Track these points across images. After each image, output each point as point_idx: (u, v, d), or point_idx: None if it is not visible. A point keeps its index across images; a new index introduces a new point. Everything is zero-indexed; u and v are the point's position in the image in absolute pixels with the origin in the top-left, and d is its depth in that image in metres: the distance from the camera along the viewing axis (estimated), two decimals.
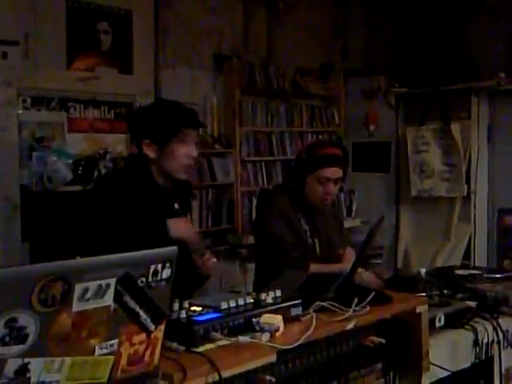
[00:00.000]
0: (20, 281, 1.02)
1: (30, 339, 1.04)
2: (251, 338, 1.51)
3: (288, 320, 1.62)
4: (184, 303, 1.57)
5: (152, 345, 1.23)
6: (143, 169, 2.06)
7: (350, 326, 1.73)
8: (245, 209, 4.66)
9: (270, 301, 1.66)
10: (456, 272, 2.75)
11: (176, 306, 1.54)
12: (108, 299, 1.14)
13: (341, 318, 1.72)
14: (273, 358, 1.49)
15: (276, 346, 1.50)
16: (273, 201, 2.53)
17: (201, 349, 1.43)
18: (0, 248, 3.47)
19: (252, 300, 1.64)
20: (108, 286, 1.13)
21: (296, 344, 1.53)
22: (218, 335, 1.48)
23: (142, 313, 1.19)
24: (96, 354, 1.14)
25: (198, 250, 2.09)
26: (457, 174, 4.78)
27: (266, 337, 1.52)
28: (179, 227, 2.03)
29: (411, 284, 2.40)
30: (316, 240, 2.50)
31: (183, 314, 1.51)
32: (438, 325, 2.10)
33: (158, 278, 1.21)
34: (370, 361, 1.84)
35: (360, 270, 2.21)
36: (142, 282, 1.18)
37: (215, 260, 2.09)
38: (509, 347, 2.31)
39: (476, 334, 2.18)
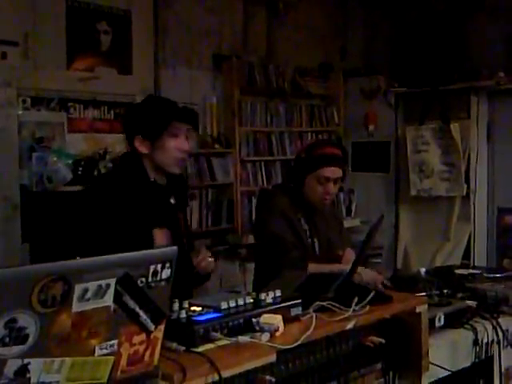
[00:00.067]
0: (20, 281, 1.02)
1: (30, 340, 1.04)
2: (251, 337, 1.51)
3: (288, 320, 1.62)
4: (184, 303, 1.58)
5: (152, 345, 1.23)
6: (136, 166, 2.07)
7: (350, 325, 1.73)
8: (244, 209, 4.66)
9: (269, 301, 1.66)
10: (456, 271, 2.75)
11: (176, 306, 1.54)
12: (108, 299, 1.14)
13: (340, 317, 1.72)
14: (273, 357, 1.49)
15: (276, 345, 1.50)
16: (273, 201, 2.53)
17: (200, 349, 1.43)
18: (0, 248, 3.47)
19: (252, 300, 1.64)
20: (108, 286, 1.13)
21: (296, 344, 1.53)
22: (217, 335, 1.48)
23: (141, 313, 1.19)
24: (96, 354, 1.14)
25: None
26: (456, 173, 4.78)
27: (265, 337, 1.52)
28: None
29: (411, 284, 2.40)
30: (316, 240, 2.50)
31: (183, 314, 1.51)
32: (437, 324, 2.10)
33: (158, 278, 1.21)
34: (370, 360, 1.84)
35: (360, 269, 2.21)
36: (141, 282, 1.18)
37: (210, 259, 2.08)
38: (509, 347, 2.31)
39: (476, 333, 2.18)
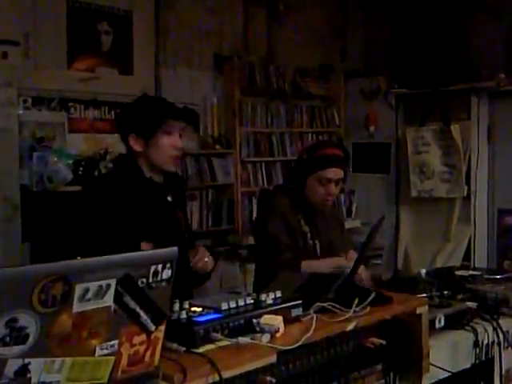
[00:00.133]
0: (20, 281, 1.02)
1: (31, 339, 1.04)
2: (251, 338, 1.51)
3: (288, 321, 1.62)
4: (184, 304, 1.57)
5: (152, 345, 1.23)
6: (131, 165, 2.08)
7: (351, 326, 1.73)
8: (245, 209, 4.66)
9: (270, 302, 1.66)
10: (456, 273, 2.74)
11: (176, 306, 1.54)
12: (108, 300, 1.13)
13: (341, 318, 1.72)
14: (273, 358, 1.49)
15: (276, 346, 1.50)
16: (273, 202, 2.52)
17: (201, 349, 1.43)
18: (0, 248, 3.47)
19: (252, 301, 1.64)
20: (108, 286, 1.13)
21: (296, 345, 1.53)
22: (218, 336, 1.48)
23: (142, 313, 1.19)
24: (96, 354, 1.14)
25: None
26: (457, 174, 4.78)
27: (266, 338, 1.51)
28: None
29: (411, 285, 2.39)
30: (317, 241, 2.49)
31: (183, 315, 1.51)
32: (438, 326, 2.10)
33: (159, 278, 1.21)
34: (371, 362, 1.84)
35: (360, 270, 2.21)
36: (142, 282, 1.18)
37: (207, 260, 2.07)
38: (509, 348, 2.31)
39: (476, 334, 2.18)
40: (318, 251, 2.49)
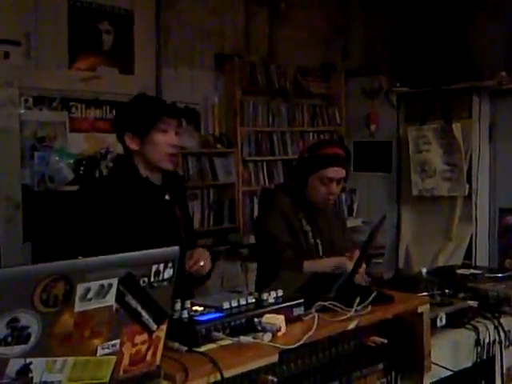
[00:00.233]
0: (22, 281, 1.02)
1: (32, 339, 1.04)
2: (253, 337, 1.51)
3: (290, 320, 1.62)
4: (186, 303, 1.57)
5: (154, 345, 1.23)
6: (128, 165, 2.09)
7: (352, 325, 1.73)
8: (246, 208, 4.66)
9: (271, 301, 1.66)
10: (457, 271, 2.74)
11: (178, 305, 1.54)
12: (110, 299, 1.14)
13: (343, 317, 1.72)
14: (275, 358, 1.49)
15: (278, 345, 1.50)
16: (274, 201, 2.52)
17: (203, 349, 1.43)
18: (2, 248, 3.47)
19: (254, 300, 1.64)
20: (110, 286, 1.13)
21: (298, 344, 1.53)
22: (219, 335, 1.48)
23: (143, 313, 1.19)
24: (98, 354, 1.14)
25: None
26: (458, 173, 4.77)
27: (267, 337, 1.51)
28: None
29: (413, 284, 2.39)
30: (318, 240, 2.49)
31: (185, 314, 1.51)
32: (439, 324, 2.10)
33: (160, 277, 1.21)
34: (372, 361, 1.84)
35: (361, 269, 2.21)
36: (143, 281, 1.18)
37: (202, 264, 2.04)
38: (510, 347, 2.31)
39: (477, 333, 2.18)
40: (320, 250, 2.49)
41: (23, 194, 3.57)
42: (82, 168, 3.77)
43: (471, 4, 4.71)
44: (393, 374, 1.90)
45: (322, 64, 5.30)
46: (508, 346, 2.29)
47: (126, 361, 1.18)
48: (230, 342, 1.48)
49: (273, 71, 4.89)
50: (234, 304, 1.59)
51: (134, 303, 1.17)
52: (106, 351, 1.15)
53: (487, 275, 2.65)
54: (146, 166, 2.09)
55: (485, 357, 2.21)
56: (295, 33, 5.08)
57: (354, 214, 5.34)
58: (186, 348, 1.42)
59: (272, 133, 4.93)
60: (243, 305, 1.60)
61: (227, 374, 1.36)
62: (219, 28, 4.61)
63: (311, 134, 5.24)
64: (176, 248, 1.25)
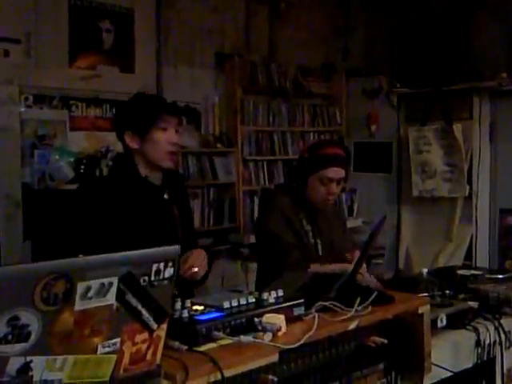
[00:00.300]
0: (22, 279, 1.02)
1: (33, 337, 1.04)
2: (253, 337, 1.50)
3: (290, 320, 1.61)
4: (186, 302, 1.57)
5: (154, 344, 1.23)
6: (127, 163, 2.08)
7: (353, 326, 1.72)
8: (246, 208, 4.66)
9: (272, 300, 1.66)
10: (458, 272, 2.74)
11: (178, 305, 1.54)
12: (110, 298, 1.13)
13: (343, 318, 1.71)
14: (275, 357, 1.49)
15: (278, 345, 1.49)
16: (274, 201, 2.52)
17: (203, 348, 1.43)
18: (2, 246, 3.47)
19: (254, 299, 1.64)
20: (110, 284, 1.13)
21: (298, 344, 1.52)
22: (220, 334, 1.48)
23: (144, 312, 1.19)
24: (98, 352, 1.14)
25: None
26: (458, 174, 4.77)
27: (268, 336, 1.51)
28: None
29: (413, 284, 2.39)
30: (318, 240, 2.49)
31: (185, 313, 1.51)
32: (439, 325, 2.10)
33: (161, 276, 1.21)
34: (372, 361, 1.84)
35: (362, 270, 2.20)
36: (144, 280, 1.18)
37: (196, 270, 2.01)
38: (511, 348, 2.31)
39: (478, 334, 2.17)
40: (320, 250, 2.49)
41: (23, 193, 3.57)
42: (82, 167, 3.77)
43: (471, 4, 4.71)
44: (393, 374, 1.89)
45: (322, 64, 5.30)
46: (508, 347, 2.29)
47: (126, 359, 1.18)
48: (231, 341, 1.48)
49: (273, 70, 4.89)
50: (235, 303, 1.59)
51: (134, 302, 1.17)
52: (107, 350, 1.15)
53: (488, 276, 2.65)
54: (146, 165, 2.08)
55: (485, 358, 2.20)
56: (296, 32, 5.08)
57: (355, 214, 5.33)
58: (186, 347, 1.42)
59: (272, 132, 4.93)
60: (243, 304, 1.60)
61: (227, 373, 1.36)
62: (220, 27, 4.61)
63: (311, 133, 5.23)
64: (176, 247, 1.25)
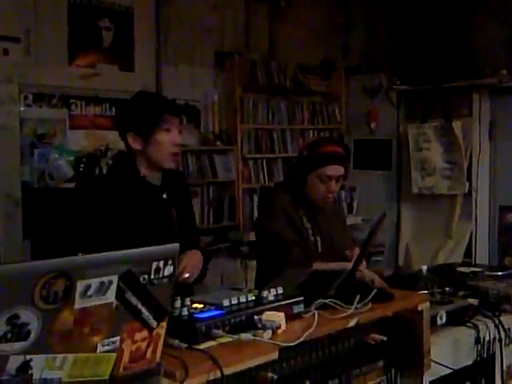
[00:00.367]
0: (22, 278, 1.02)
1: (32, 336, 1.04)
2: (253, 335, 1.51)
3: (290, 317, 1.62)
4: (186, 300, 1.57)
5: (154, 342, 1.23)
6: (126, 163, 2.08)
7: (352, 323, 1.73)
8: (246, 206, 4.66)
9: (271, 298, 1.66)
10: (457, 269, 2.75)
11: (178, 303, 1.54)
12: (110, 296, 1.13)
13: (343, 315, 1.72)
14: (275, 355, 1.49)
15: (278, 343, 1.50)
16: (274, 199, 2.52)
17: (203, 346, 1.43)
18: (1, 245, 3.47)
19: (254, 297, 1.64)
20: (110, 282, 1.13)
21: (298, 341, 1.53)
22: (219, 332, 1.48)
23: (144, 310, 1.19)
24: (98, 350, 1.14)
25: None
26: (458, 171, 4.77)
27: (267, 334, 1.51)
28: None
29: (412, 281, 2.39)
30: (318, 238, 2.49)
31: (185, 312, 1.51)
32: (439, 322, 2.10)
33: (160, 275, 1.21)
34: (372, 358, 1.84)
35: (362, 267, 2.21)
36: (144, 279, 1.18)
37: (187, 275, 1.99)
38: (510, 345, 2.31)
39: (478, 331, 2.18)
40: (320, 248, 2.49)
41: (23, 191, 3.57)
42: (81, 165, 3.77)
43: (472, 2, 4.70)
44: (392, 371, 1.90)
45: (322, 62, 5.29)
46: (508, 344, 2.29)
47: (126, 358, 1.18)
48: (230, 339, 1.48)
49: (273, 69, 4.88)
50: (234, 301, 1.59)
51: (134, 300, 1.17)
52: (106, 348, 1.15)
53: (487, 273, 2.65)
54: (147, 165, 2.07)
55: (485, 355, 2.21)
56: (295, 30, 5.07)
57: (354, 211, 5.33)
58: (186, 345, 1.42)
59: (272, 130, 4.92)
60: (243, 302, 1.61)
61: (227, 371, 1.36)
62: (219, 25, 4.61)
63: (311, 131, 5.23)
64: (176, 245, 1.25)
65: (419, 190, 4.95)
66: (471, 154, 4.78)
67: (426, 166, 4.91)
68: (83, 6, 3.85)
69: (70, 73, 3.78)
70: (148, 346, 1.22)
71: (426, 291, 2.21)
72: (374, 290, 1.84)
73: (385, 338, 1.82)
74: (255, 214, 4.34)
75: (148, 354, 1.22)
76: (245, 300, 1.61)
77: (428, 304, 1.96)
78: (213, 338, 1.47)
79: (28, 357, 1.05)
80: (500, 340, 2.24)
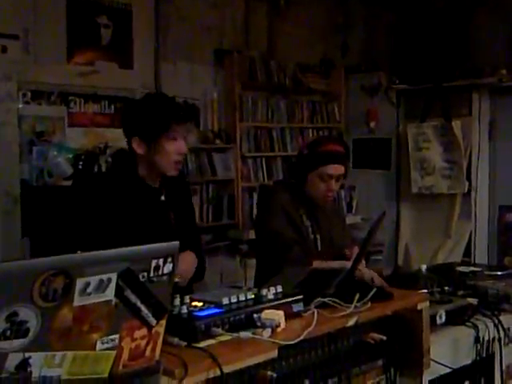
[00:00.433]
0: (21, 275, 1.02)
1: (31, 334, 1.04)
2: (252, 333, 1.50)
3: (289, 316, 1.61)
4: (185, 298, 1.57)
5: (153, 340, 1.23)
6: (126, 163, 2.06)
7: (352, 322, 1.72)
8: (245, 204, 4.65)
9: (271, 296, 1.66)
10: (457, 269, 2.74)
11: (177, 301, 1.54)
12: (109, 294, 1.13)
13: (342, 314, 1.71)
14: (274, 353, 1.49)
15: (277, 341, 1.49)
16: (273, 197, 2.51)
17: (202, 344, 1.43)
18: (0, 242, 3.47)
19: (253, 296, 1.64)
20: (109, 280, 1.12)
21: (297, 340, 1.52)
22: (219, 331, 1.47)
23: (143, 308, 1.19)
24: (97, 348, 1.14)
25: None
26: (457, 170, 4.77)
27: (267, 332, 1.51)
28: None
29: (412, 281, 2.39)
30: (318, 236, 2.49)
31: (184, 310, 1.51)
32: (438, 322, 2.10)
33: (160, 272, 1.21)
34: (371, 357, 1.84)
35: (361, 266, 2.20)
36: (143, 276, 1.18)
37: (176, 280, 1.99)
38: (510, 344, 2.31)
39: (477, 331, 2.18)
40: (319, 246, 2.49)
41: (22, 189, 3.56)
42: (80, 163, 3.76)
43: (471, 1, 4.70)
44: (392, 370, 1.90)
45: (321, 60, 5.29)
46: (507, 344, 2.29)
47: (125, 355, 1.18)
48: (230, 337, 1.48)
49: (272, 67, 4.88)
50: (234, 300, 1.59)
51: (133, 298, 1.17)
52: (106, 346, 1.15)
53: (487, 273, 2.65)
54: (147, 168, 2.05)
55: (484, 354, 2.21)
56: (295, 29, 5.07)
57: (354, 210, 5.33)
58: (185, 343, 1.42)
59: (271, 129, 4.92)
60: (242, 300, 1.60)
61: (226, 369, 1.36)
62: (219, 23, 4.60)
63: (310, 130, 5.22)
64: (176, 243, 1.25)
65: (419, 189, 4.95)
66: (471, 154, 4.78)
67: (425, 165, 4.91)
68: (82, 4, 3.84)
69: (69, 70, 3.77)
70: (147, 343, 1.21)
71: (425, 290, 2.21)
72: (374, 289, 1.84)
73: (384, 337, 1.82)
74: (254, 212, 4.34)
75: (147, 352, 1.22)
76: (244, 298, 1.61)
77: (427, 303, 1.96)
78: (212, 337, 1.46)
79: (27, 354, 1.05)
80: (499, 339, 2.24)
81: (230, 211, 4.56)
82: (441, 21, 4.74)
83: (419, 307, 1.92)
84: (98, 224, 1.95)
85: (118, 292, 1.14)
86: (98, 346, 1.14)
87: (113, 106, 3.94)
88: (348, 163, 2.59)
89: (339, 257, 2.43)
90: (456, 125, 4.73)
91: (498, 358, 2.25)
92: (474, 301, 2.27)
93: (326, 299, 1.75)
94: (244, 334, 1.48)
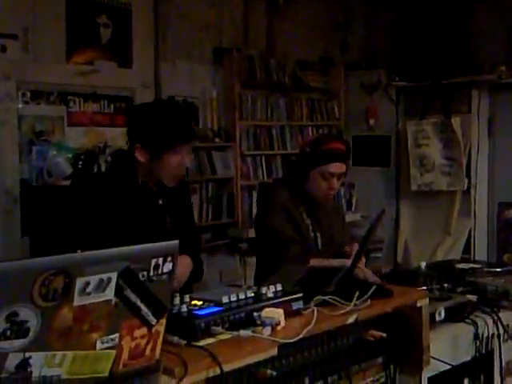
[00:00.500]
0: (21, 275, 1.02)
1: (31, 333, 1.04)
2: (252, 332, 1.51)
3: (289, 314, 1.62)
4: (185, 297, 1.57)
5: (153, 339, 1.23)
6: (126, 167, 2.06)
7: (351, 320, 1.73)
8: (245, 203, 4.65)
9: (270, 295, 1.66)
10: (456, 266, 2.75)
11: (177, 300, 1.54)
12: (109, 293, 1.13)
13: (342, 311, 1.72)
14: (274, 351, 1.49)
15: (277, 340, 1.50)
16: (273, 195, 2.52)
17: (202, 343, 1.43)
18: (0, 242, 3.47)
19: (253, 294, 1.64)
20: (109, 279, 1.13)
21: (297, 338, 1.53)
22: (219, 329, 1.48)
23: (143, 307, 1.19)
24: (97, 348, 1.14)
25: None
26: (457, 167, 4.77)
27: (267, 331, 1.52)
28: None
29: (411, 278, 2.40)
30: (318, 234, 2.49)
31: (184, 308, 1.51)
32: (438, 319, 2.10)
33: (160, 271, 1.21)
34: (371, 355, 1.84)
35: (360, 264, 2.21)
36: (143, 275, 1.18)
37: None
38: (509, 341, 2.32)
39: (476, 327, 2.18)
40: (320, 244, 2.49)
41: (21, 189, 3.56)
42: (80, 162, 3.76)
43: None
44: (392, 367, 1.90)
45: (321, 58, 5.28)
46: (507, 340, 2.30)
47: (125, 355, 1.18)
48: (230, 336, 1.48)
49: (272, 65, 4.87)
50: (233, 298, 1.59)
51: (133, 297, 1.17)
52: (106, 345, 1.15)
53: (486, 269, 2.66)
54: (146, 173, 2.05)
55: (484, 351, 2.21)
56: (294, 27, 5.06)
57: (353, 208, 5.33)
58: (185, 342, 1.42)
59: (271, 127, 4.92)
60: (242, 299, 1.61)
61: (226, 368, 1.36)
62: (218, 21, 4.59)
63: (310, 128, 5.22)
64: (176, 242, 1.25)
65: (418, 186, 4.95)
66: (470, 151, 4.78)
67: (424, 162, 4.91)
68: (81, 3, 3.84)
69: (68, 70, 3.77)
70: (147, 342, 1.22)
71: (424, 287, 2.22)
72: (373, 287, 1.84)
73: (384, 335, 1.82)
74: (254, 210, 4.33)
75: (147, 351, 1.22)
76: (244, 297, 1.61)
77: (427, 300, 1.96)
78: (212, 335, 1.47)
79: (27, 354, 1.05)
80: (499, 336, 2.25)
81: (229, 210, 4.56)
82: (440, 18, 4.73)
83: (419, 304, 1.93)
84: (96, 224, 1.96)
85: (118, 291, 1.14)
86: (98, 345, 1.14)
87: (112, 106, 3.94)
88: (348, 161, 2.60)
89: (339, 255, 2.43)
90: (455, 122, 4.73)
91: (498, 354, 2.26)
92: (473, 298, 2.27)
93: (325, 297, 1.75)
94: (244, 333, 1.49)
